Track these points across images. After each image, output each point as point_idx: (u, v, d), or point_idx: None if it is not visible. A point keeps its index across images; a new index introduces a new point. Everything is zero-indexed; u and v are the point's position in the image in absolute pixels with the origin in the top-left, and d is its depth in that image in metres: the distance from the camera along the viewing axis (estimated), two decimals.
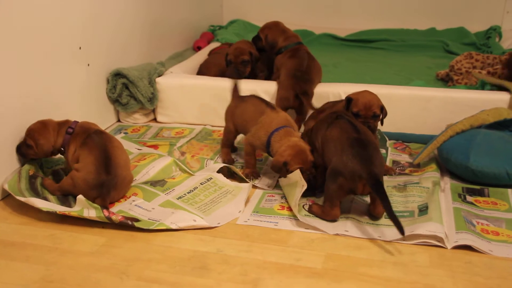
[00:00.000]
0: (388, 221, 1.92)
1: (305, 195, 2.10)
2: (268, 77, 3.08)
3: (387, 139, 2.64)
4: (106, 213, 1.90)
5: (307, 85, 2.71)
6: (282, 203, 2.12)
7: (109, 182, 2.01)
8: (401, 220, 1.94)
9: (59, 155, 2.25)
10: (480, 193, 2.19)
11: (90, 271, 1.70)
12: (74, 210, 1.93)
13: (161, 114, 3.00)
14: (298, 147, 2.09)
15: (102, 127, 2.78)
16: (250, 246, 1.84)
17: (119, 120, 3.01)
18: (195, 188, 2.19)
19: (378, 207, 1.94)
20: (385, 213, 1.94)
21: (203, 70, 3.25)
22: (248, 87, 2.87)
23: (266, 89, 2.86)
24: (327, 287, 1.63)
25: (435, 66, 3.52)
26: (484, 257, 1.77)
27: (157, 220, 1.94)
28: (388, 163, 2.46)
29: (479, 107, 2.54)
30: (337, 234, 1.90)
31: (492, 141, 2.26)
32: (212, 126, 2.94)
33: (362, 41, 4.19)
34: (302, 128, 2.60)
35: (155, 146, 2.62)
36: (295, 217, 1.98)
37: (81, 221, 1.94)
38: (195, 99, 2.94)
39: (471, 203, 2.10)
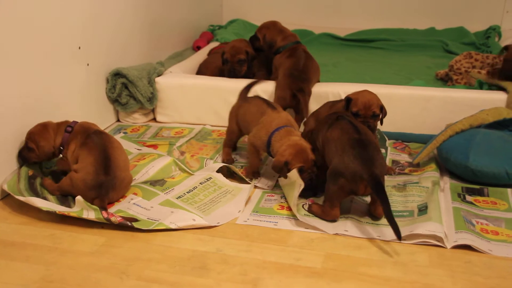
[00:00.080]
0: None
1: (306, 195, 2.10)
2: (266, 77, 3.08)
3: (386, 138, 2.64)
4: (105, 215, 1.90)
5: (304, 83, 2.71)
6: (282, 203, 2.12)
7: (107, 183, 2.01)
8: (401, 219, 1.95)
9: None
10: (480, 193, 2.19)
11: (90, 271, 1.70)
12: (73, 211, 1.93)
13: (161, 114, 3.00)
14: (299, 146, 2.08)
15: (102, 126, 2.78)
16: (249, 246, 1.84)
17: (118, 120, 3.01)
18: (194, 188, 2.19)
19: (379, 207, 1.94)
20: None
21: (203, 69, 3.26)
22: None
23: (264, 88, 2.86)
24: (327, 286, 1.63)
25: (434, 66, 3.52)
26: (483, 256, 1.77)
27: (156, 220, 1.94)
28: (388, 162, 2.46)
29: (479, 107, 2.54)
30: (336, 234, 1.90)
31: (492, 140, 2.26)
32: (212, 126, 2.94)
33: (362, 41, 4.19)
34: (302, 128, 2.60)
35: (154, 146, 2.62)
36: (294, 217, 1.98)
37: (81, 221, 1.94)
38: (195, 99, 2.94)
39: (471, 203, 2.10)
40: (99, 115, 2.81)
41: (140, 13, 3.15)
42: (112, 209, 2.02)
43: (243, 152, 2.58)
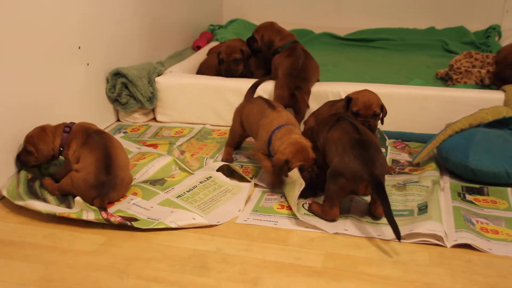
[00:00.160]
0: None
1: (306, 194, 2.09)
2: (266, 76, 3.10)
3: (386, 138, 2.64)
4: (105, 215, 1.90)
5: (302, 82, 2.71)
6: (282, 202, 2.12)
7: (108, 183, 2.01)
8: (401, 219, 1.95)
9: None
10: (480, 192, 2.19)
11: (90, 270, 1.70)
12: (73, 212, 1.93)
13: (161, 114, 3.00)
14: (300, 144, 2.07)
15: (102, 126, 2.78)
16: (249, 245, 1.84)
17: (118, 120, 3.01)
18: (194, 187, 2.19)
19: (379, 207, 1.94)
20: None
21: (203, 69, 3.26)
22: (247, 86, 2.87)
23: (264, 88, 2.86)
24: (327, 286, 1.63)
25: (434, 65, 3.52)
26: (483, 255, 1.77)
27: (156, 219, 1.94)
28: (388, 162, 2.46)
29: (478, 106, 2.54)
30: (336, 233, 1.90)
31: (491, 139, 2.26)
32: (212, 125, 2.94)
33: (362, 40, 4.19)
34: (302, 127, 2.60)
35: (154, 145, 2.62)
36: (294, 216, 1.98)
37: (81, 220, 1.94)
38: (195, 98, 2.94)
39: (471, 202, 2.10)
40: (99, 115, 2.81)
41: (140, 12, 3.15)
42: (111, 209, 2.02)
43: (244, 151, 2.58)
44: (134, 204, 2.05)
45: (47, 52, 2.36)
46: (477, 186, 2.23)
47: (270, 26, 3.05)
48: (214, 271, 1.69)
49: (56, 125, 2.19)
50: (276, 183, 2.20)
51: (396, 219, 1.93)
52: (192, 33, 4.03)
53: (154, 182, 2.22)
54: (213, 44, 3.80)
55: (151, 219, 1.95)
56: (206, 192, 2.17)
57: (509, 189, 2.20)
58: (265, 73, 3.11)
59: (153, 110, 3.04)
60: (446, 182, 2.27)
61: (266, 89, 2.85)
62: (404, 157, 2.53)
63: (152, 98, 2.92)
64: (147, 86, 2.89)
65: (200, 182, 2.22)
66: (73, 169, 2.07)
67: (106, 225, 1.93)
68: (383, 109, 2.25)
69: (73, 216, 1.91)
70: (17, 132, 2.18)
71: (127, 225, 1.89)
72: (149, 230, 1.90)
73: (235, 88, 2.89)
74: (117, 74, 2.84)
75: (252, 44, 3.07)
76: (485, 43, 3.85)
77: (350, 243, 1.84)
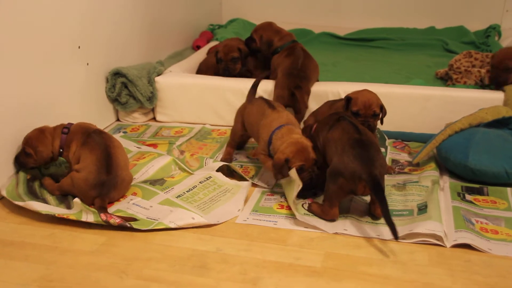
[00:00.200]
0: None
1: (305, 195, 2.09)
2: (265, 76, 3.10)
3: (386, 138, 2.64)
4: (104, 217, 1.90)
5: (302, 81, 2.71)
6: (281, 202, 2.12)
7: (109, 182, 2.01)
8: (401, 218, 1.96)
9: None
10: (479, 192, 2.19)
11: (90, 270, 1.70)
12: (72, 213, 1.93)
13: (160, 113, 3.00)
14: (300, 144, 2.06)
15: (101, 126, 2.78)
16: (249, 245, 1.84)
17: (118, 119, 3.01)
18: (194, 187, 2.19)
19: (379, 208, 1.94)
20: None
21: (202, 68, 3.26)
22: (247, 86, 2.87)
23: (264, 87, 2.86)
24: (327, 286, 1.63)
25: (434, 65, 3.52)
26: (483, 255, 1.77)
27: (156, 219, 1.94)
28: (388, 162, 2.46)
29: (478, 106, 2.54)
30: (336, 233, 1.90)
31: (491, 139, 2.26)
32: (211, 125, 2.94)
33: (362, 40, 4.19)
34: (302, 126, 2.60)
35: (154, 145, 2.62)
36: (294, 216, 1.98)
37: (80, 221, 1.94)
38: (194, 98, 2.94)
39: (470, 202, 2.10)
40: (99, 114, 2.81)
41: (139, 12, 3.15)
42: (111, 209, 2.02)
43: (244, 151, 2.58)
44: (133, 204, 2.05)
45: (47, 51, 2.36)
46: (477, 186, 2.23)
47: (269, 26, 3.06)
48: (214, 271, 1.69)
49: (54, 127, 2.18)
50: (282, 176, 2.12)
51: (396, 219, 1.94)
52: (192, 32, 4.03)
53: (153, 182, 2.22)
54: (212, 43, 3.79)
55: (151, 218, 1.95)
56: (206, 192, 2.17)
57: (508, 189, 2.20)
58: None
59: (152, 110, 3.04)
60: (446, 182, 2.27)
61: (266, 89, 2.85)
62: (403, 157, 2.53)
63: (151, 97, 2.91)
64: (146, 86, 2.89)
65: (200, 182, 2.22)
66: (73, 169, 2.07)
67: (106, 225, 1.93)
68: (382, 109, 2.25)
69: (72, 217, 1.91)
70: (16, 132, 2.18)
71: (126, 226, 1.89)
72: (149, 230, 1.90)
73: (235, 88, 2.89)
74: (116, 73, 2.84)
75: (250, 44, 3.07)
76: (485, 43, 3.85)
77: (350, 243, 1.85)
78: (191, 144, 2.67)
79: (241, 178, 2.29)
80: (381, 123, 2.30)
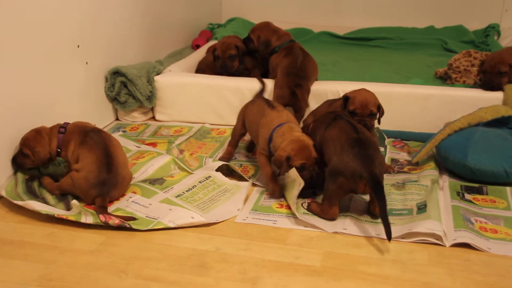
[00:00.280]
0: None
1: (305, 195, 2.09)
2: (263, 76, 3.10)
3: (385, 137, 2.64)
4: (103, 219, 1.89)
5: (302, 81, 2.71)
6: (281, 201, 2.12)
7: (110, 181, 2.01)
8: (400, 218, 1.96)
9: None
10: (479, 191, 2.19)
11: (89, 269, 1.70)
12: (71, 214, 1.92)
13: (160, 113, 3.00)
14: (302, 142, 2.05)
15: (101, 125, 2.78)
16: (249, 244, 1.84)
17: (117, 119, 3.00)
18: (194, 187, 2.19)
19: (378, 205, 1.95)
20: None
21: (202, 67, 3.26)
22: (247, 85, 2.88)
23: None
24: (326, 285, 1.63)
25: (433, 64, 3.52)
26: (482, 255, 1.77)
27: (155, 218, 1.94)
28: (387, 161, 2.46)
29: (477, 105, 2.54)
30: (335, 232, 1.90)
31: (490, 139, 2.26)
32: (211, 124, 2.94)
33: (361, 39, 4.19)
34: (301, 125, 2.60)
35: (153, 144, 2.62)
36: (293, 215, 1.98)
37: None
38: (194, 97, 2.94)
39: (470, 201, 2.10)
40: (98, 113, 2.81)
41: (139, 11, 3.15)
42: (111, 208, 2.02)
43: (242, 150, 2.58)
44: (132, 201, 2.05)
45: (46, 51, 2.35)
46: (476, 185, 2.23)
47: (266, 26, 3.06)
48: (213, 271, 1.69)
49: (50, 127, 2.18)
50: (275, 191, 2.13)
51: (395, 218, 1.94)
52: (191, 32, 4.02)
53: (153, 181, 2.22)
54: (212, 43, 3.79)
55: (150, 217, 1.95)
56: (206, 191, 2.17)
57: (508, 188, 2.20)
58: (262, 73, 3.12)
59: (152, 109, 3.04)
60: (445, 181, 2.27)
61: (266, 88, 2.85)
62: (403, 156, 2.53)
63: (151, 97, 2.91)
64: (146, 85, 2.88)
65: (200, 182, 2.22)
66: (72, 169, 2.07)
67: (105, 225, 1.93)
68: (380, 108, 2.25)
69: (72, 218, 1.91)
70: (16, 131, 2.17)
71: (126, 227, 1.89)
72: (148, 230, 1.90)
73: (234, 87, 2.89)
74: (116, 73, 2.83)
75: (248, 45, 3.07)
76: (484, 42, 3.85)
77: (349, 242, 1.85)
78: (191, 143, 2.67)
79: (240, 178, 2.29)
80: (378, 122, 2.30)
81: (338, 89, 2.77)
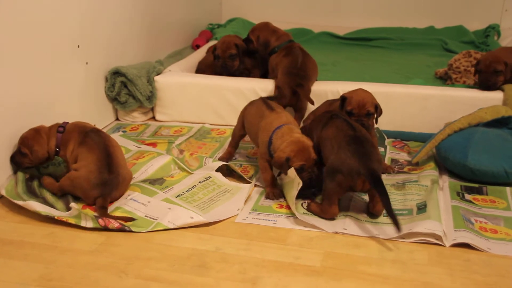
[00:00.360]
0: (387, 219, 1.93)
1: (304, 196, 2.09)
2: (263, 76, 3.10)
3: (385, 137, 2.65)
4: (102, 223, 1.89)
5: (303, 80, 2.71)
6: (281, 201, 2.12)
7: (111, 181, 2.00)
8: (400, 218, 1.95)
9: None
10: (479, 191, 2.19)
11: (89, 269, 1.70)
12: (71, 217, 1.92)
13: (160, 113, 3.00)
14: (302, 143, 2.05)
15: (101, 125, 2.78)
16: (249, 244, 1.84)
17: (117, 119, 3.00)
18: (193, 187, 2.19)
19: (377, 205, 1.95)
20: (384, 211, 1.95)
21: (202, 67, 3.26)
22: (246, 85, 2.88)
23: (264, 87, 2.86)
24: (326, 285, 1.63)
25: (433, 65, 3.52)
26: (482, 255, 1.77)
27: (155, 219, 1.94)
28: (387, 161, 2.46)
29: (477, 105, 2.55)
30: (335, 232, 1.90)
31: (490, 139, 2.26)
32: (211, 124, 2.94)
33: (361, 40, 4.19)
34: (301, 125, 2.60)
35: (153, 144, 2.62)
36: (293, 215, 1.98)
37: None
38: (194, 97, 2.94)
39: (470, 201, 2.10)
40: (98, 113, 2.81)
41: (139, 11, 3.15)
42: (110, 208, 2.01)
43: (243, 150, 2.58)
44: (131, 199, 2.05)
45: (46, 51, 2.36)
46: (476, 185, 2.23)
47: (265, 27, 3.06)
48: (213, 271, 1.69)
49: (49, 126, 2.18)
50: (269, 194, 2.13)
51: None
52: (192, 32, 4.03)
53: (153, 181, 2.22)
54: (212, 43, 3.79)
55: (149, 217, 1.95)
56: (205, 192, 2.17)
57: (508, 188, 2.20)
58: (264, 73, 3.12)
59: (152, 109, 3.04)
60: (445, 181, 2.27)
61: (266, 88, 2.85)
62: (403, 156, 2.54)
63: (151, 97, 2.91)
64: (146, 85, 2.88)
65: (199, 182, 2.22)
66: (71, 168, 2.06)
67: None
68: (377, 108, 2.25)
69: (72, 221, 1.91)
70: (16, 131, 2.17)
71: (125, 230, 1.89)
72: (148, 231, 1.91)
73: (235, 88, 2.89)
74: (116, 73, 2.83)
75: (248, 45, 3.07)
76: (485, 42, 3.85)
77: (349, 242, 1.85)
78: (190, 143, 2.67)
79: (240, 178, 2.29)
80: (376, 122, 2.30)
81: (338, 89, 2.77)
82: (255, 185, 2.24)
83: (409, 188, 2.18)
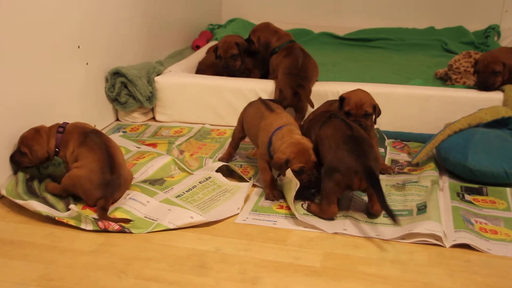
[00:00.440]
0: (387, 220, 1.93)
1: (304, 197, 2.09)
2: (264, 76, 3.10)
3: (385, 138, 2.65)
4: (102, 226, 1.89)
5: (304, 81, 2.71)
6: (281, 202, 2.12)
7: (113, 182, 2.00)
8: (400, 218, 1.95)
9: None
10: (479, 192, 2.19)
11: (89, 269, 1.70)
12: (71, 218, 1.92)
13: (160, 113, 3.00)
14: (301, 145, 2.05)
15: (101, 126, 2.79)
16: (248, 244, 1.84)
17: (117, 119, 3.00)
18: (194, 187, 2.19)
19: (376, 204, 1.95)
20: (383, 212, 1.95)
21: (202, 67, 3.26)
22: (247, 86, 2.88)
23: (264, 87, 2.86)
24: (326, 285, 1.63)
25: (433, 65, 3.52)
26: (482, 255, 1.77)
27: (154, 220, 1.94)
28: (387, 162, 2.46)
29: (477, 106, 2.55)
30: (335, 233, 1.90)
31: (490, 139, 2.26)
32: (211, 125, 2.94)
33: (361, 40, 4.19)
34: None
35: (153, 145, 2.62)
36: (293, 216, 1.98)
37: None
38: (194, 98, 2.94)
39: (470, 202, 2.10)
40: (98, 114, 2.81)
41: (139, 12, 3.15)
42: (110, 208, 2.01)
43: (243, 151, 2.58)
44: (130, 198, 2.05)
45: (47, 51, 2.36)
46: (476, 186, 2.23)
47: (266, 27, 3.06)
48: (213, 271, 1.69)
49: (49, 126, 2.18)
50: (269, 195, 2.13)
51: None
52: (192, 32, 4.02)
53: (153, 182, 2.22)
54: (212, 43, 3.79)
55: (149, 218, 1.95)
56: (205, 192, 2.17)
57: (508, 189, 2.20)
58: (264, 74, 3.12)
59: (152, 110, 3.04)
60: (445, 182, 2.27)
61: (266, 89, 2.85)
62: (403, 157, 2.53)
63: (151, 97, 2.91)
64: (146, 86, 2.89)
65: (200, 182, 2.22)
66: (71, 169, 2.06)
67: None
68: (376, 109, 2.25)
69: (72, 222, 1.91)
70: (16, 131, 2.17)
71: (125, 232, 1.89)
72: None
73: (235, 88, 2.89)
74: (116, 73, 2.84)
75: (249, 46, 3.07)
76: (484, 43, 3.85)
77: (349, 243, 1.85)
78: (191, 144, 2.67)
79: (240, 179, 2.29)
80: (375, 122, 2.30)
81: (338, 90, 2.77)
82: (255, 186, 2.24)
83: (409, 188, 2.18)
